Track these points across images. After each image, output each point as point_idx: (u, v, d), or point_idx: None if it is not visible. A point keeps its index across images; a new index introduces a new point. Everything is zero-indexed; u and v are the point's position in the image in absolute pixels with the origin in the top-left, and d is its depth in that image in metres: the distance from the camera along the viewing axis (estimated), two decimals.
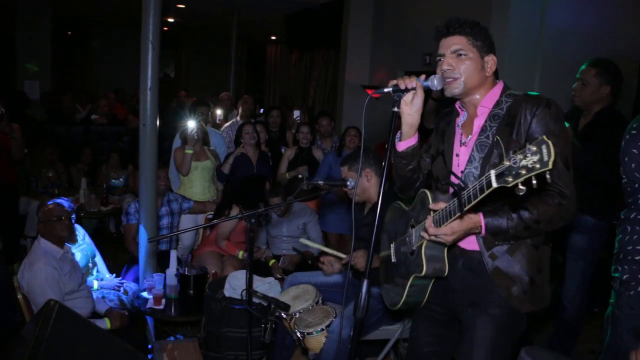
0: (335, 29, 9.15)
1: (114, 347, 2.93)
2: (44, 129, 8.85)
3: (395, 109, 2.20)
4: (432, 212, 2.09)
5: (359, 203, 3.66)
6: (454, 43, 2.20)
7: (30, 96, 9.78)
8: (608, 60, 3.56)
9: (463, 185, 1.86)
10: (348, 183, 3.23)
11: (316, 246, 3.98)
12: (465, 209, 1.86)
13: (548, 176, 1.54)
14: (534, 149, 1.55)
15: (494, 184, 1.68)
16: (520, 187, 1.59)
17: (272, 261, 4.82)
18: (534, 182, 1.56)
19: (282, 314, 3.34)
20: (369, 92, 7.54)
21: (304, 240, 3.98)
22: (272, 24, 13.31)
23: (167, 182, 5.25)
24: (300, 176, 5.70)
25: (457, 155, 2.31)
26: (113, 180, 7.27)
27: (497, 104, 2.20)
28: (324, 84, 12.71)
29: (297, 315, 3.36)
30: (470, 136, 2.26)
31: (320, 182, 3.24)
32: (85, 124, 9.35)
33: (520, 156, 1.59)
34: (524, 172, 1.57)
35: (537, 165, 1.54)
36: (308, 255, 5.04)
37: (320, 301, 3.51)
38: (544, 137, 1.55)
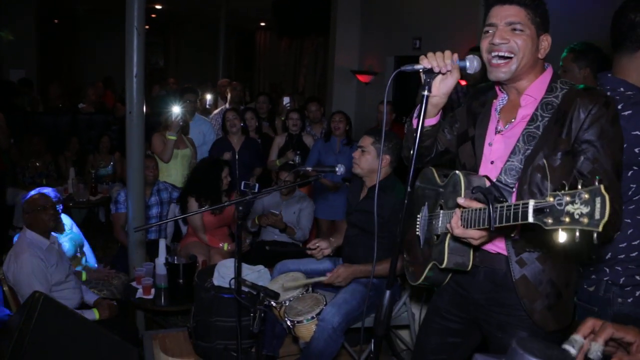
0: (324, 15, 9.10)
1: (101, 338, 2.90)
2: (31, 118, 8.77)
3: (425, 93, 1.88)
4: (460, 206, 1.83)
5: (357, 182, 3.62)
6: (511, 14, 1.89)
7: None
8: (585, 42, 3.47)
9: (497, 195, 1.64)
10: (337, 169, 3.19)
11: (297, 284, 3.58)
12: (495, 226, 1.61)
13: (595, 235, 1.27)
14: (586, 196, 1.28)
15: (530, 219, 1.44)
16: (561, 232, 1.33)
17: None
18: (577, 234, 1.30)
19: (272, 303, 3.31)
20: (360, 77, 7.49)
21: (287, 284, 3.63)
22: (261, 10, 13.23)
23: (155, 172, 5.18)
24: (291, 162, 5.67)
25: (490, 144, 2.06)
26: (101, 169, 7.20)
27: (550, 89, 1.94)
28: (314, 70, 12.67)
29: (287, 303, 3.33)
30: (508, 124, 2.00)
31: (309, 169, 3.19)
32: (72, 113, 9.28)
33: (567, 198, 1.33)
34: (566, 219, 1.32)
35: (584, 220, 1.28)
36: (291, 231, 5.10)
37: (310, 289, 3.49)
38: (602, 187, 1.26)
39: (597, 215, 1.26)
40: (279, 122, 7.08)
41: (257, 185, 4.15)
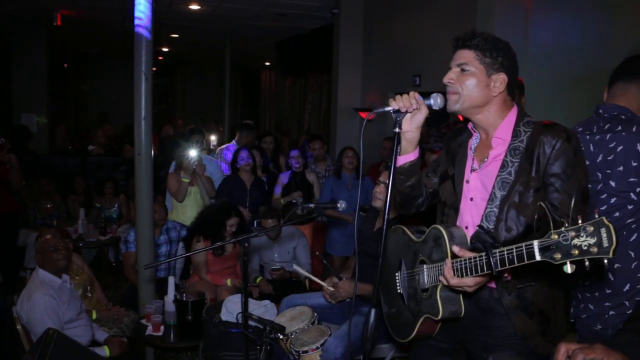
0: (326, 54, 9.29)
1: None
2: (41, 161, 8.94)
3: (397, 130, 2.10)
4: (450, 256, 1.95)
5: (373, 212, 3.70)
6: (461, 57, 2.10)
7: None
8: None
9: (492, 241, 1.75)
10: (339, 205, 3.27)
11: (304, 273, 4.11)
12: (498, 270, 1.72)
13: (605, 261, 1.40)
14: (591, 229, 1.41)
15: (538, 257, 1.55)
16: (570, 264, 1.46)
17: (259, 278, 4.89)
18: (587, 264, 1.42)
19: (279, 335, 3.38)
20: (363, 115, 7.62)
21: (296, 267, 4.16)
22: (265, 50, 13.50)
23: (161, 214, 5.28)
24: (294, 200, 5.76)
25: (467, 181, 2.20)
26: (107, 211, 7.31)
27: (515, 134, 2.08)
28: (318, 108, 12.83)
29: (293, 335, 3.41)
30: (482, 163, 2.15)
31: (312, 206, 3.27)
32: (82, 155, 9.46)
33: (572, 233, 1.45)
34: (576, 252, 1.44)
35: (594, 250, 1.40)
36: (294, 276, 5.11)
37: (316, 322, 3.57)
38: (604, 218, 1.41)
39: (605, 244, 1.39)
40: (283, 160, 7.18)
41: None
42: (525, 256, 1.61)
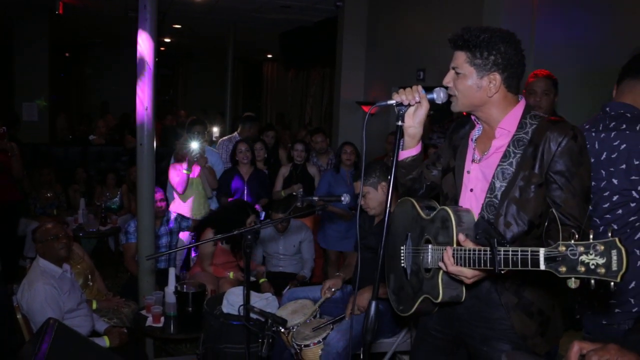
0: (330, 47, 9.25)
1: None
2: (42, 150, 8.92)
3: (400, 123, 2.12)
4: (454, 242, 1.93)
5: (371, 215, 3.70)
6: (455, 58, 2.09)
7: (29, 118, 9.85)
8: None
9: (499, 238, 1.70)
10: (342, 198, 3.26)
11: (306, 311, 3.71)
12: (499, 269, 1.67)
13: (612, 284, 1.35)
14: (601, 248, 1.37)
15: (542, 267, 1.51)
16: (574, 280, 1.42)
17: (263, 280, 4.84)
18: (592, 282, 1.38)
19: (280, 329, 3.36)
20: (365, 109, 7.62)
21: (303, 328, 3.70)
22: (268, 42, 13.45)
23: (163, 205, 5.26)
24: (295, 193, 5.74)
25: (468, 172, 2.18)
26: (108, 202, 7.29)
27: (521, 126, 2.05)
28: (320, 101, 12.79)
29: (295, 329, 3.40)
30: (485, 153, 2.13)
31: (315, 199, 3.25)
32: (83, 145, 9.45)
33: (581, 248, 1.40)
34: (582, 269, 1.39)
35: (602, 271, 1.36)
36: (301, 278, 5.10)
37: (317, 315, 3.55)
38: (617, 240, 1.36)
39: (614, 267, 1.34)
40: (283, 153, 7.17)
41: (263, 213, 4.20)
42: (529, 262, 1.57)
